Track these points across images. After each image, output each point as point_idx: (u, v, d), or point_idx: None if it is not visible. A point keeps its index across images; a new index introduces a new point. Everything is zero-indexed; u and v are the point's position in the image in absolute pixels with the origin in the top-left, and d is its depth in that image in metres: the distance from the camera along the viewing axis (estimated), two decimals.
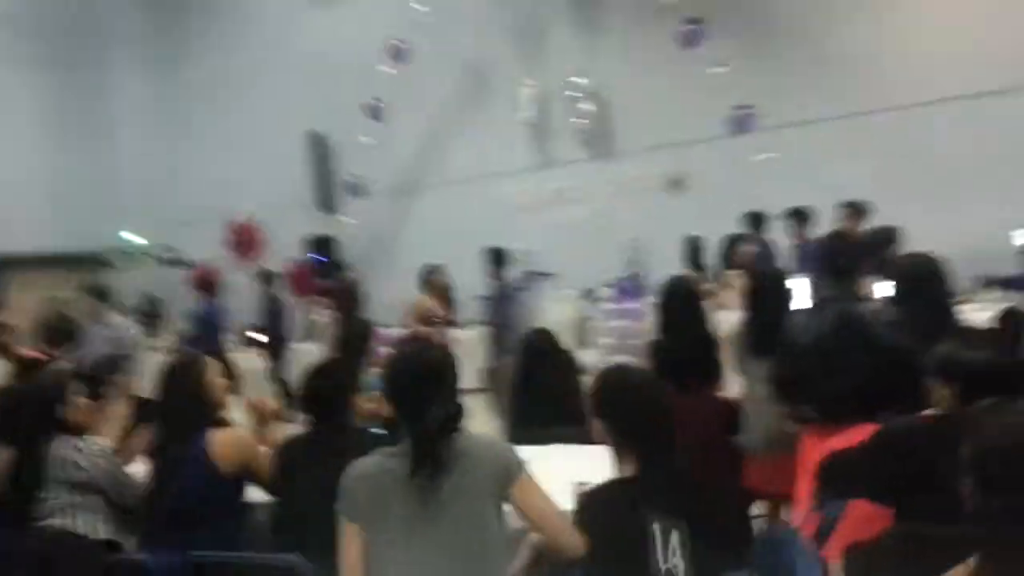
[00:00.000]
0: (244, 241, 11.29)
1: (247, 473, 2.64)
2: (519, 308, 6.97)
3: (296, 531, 2.40)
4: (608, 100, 9.51)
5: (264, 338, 8.72)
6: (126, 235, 9.69)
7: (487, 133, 10.05)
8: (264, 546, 2.55)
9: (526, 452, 2.82)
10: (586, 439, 2.99)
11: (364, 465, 1.92)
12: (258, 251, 11.37)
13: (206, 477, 2.56)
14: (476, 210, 10.08)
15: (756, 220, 7.25)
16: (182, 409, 2.64)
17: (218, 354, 7.86)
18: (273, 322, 8.40)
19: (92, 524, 2.68)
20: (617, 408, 2.00)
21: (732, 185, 8.41)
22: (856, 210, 6.53)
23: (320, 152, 10.87)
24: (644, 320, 8.05)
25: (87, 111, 11.83)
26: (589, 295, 8.89)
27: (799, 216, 7.16)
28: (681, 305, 3.24)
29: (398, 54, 9.59)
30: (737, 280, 5.05)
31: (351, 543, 1.85)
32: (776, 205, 7.38)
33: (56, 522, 2.66)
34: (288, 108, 10.85)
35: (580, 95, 9.45)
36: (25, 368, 5.26)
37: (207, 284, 8.33)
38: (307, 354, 8.70)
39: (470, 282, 9.61)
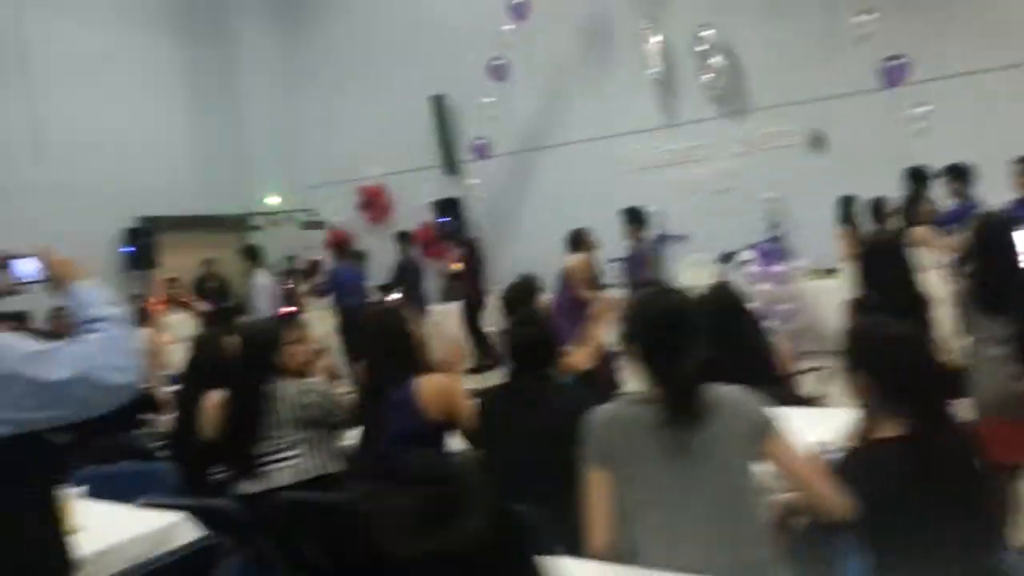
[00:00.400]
0: (374, 204, 11.57)
1: (451, 420, 2.70)
2: (657, 270, 6.88)
3: (500, 481, 2.43)
4: (739, 54, 9.14)
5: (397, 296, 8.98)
6: (268, 198, 10.08)
7: (611, 91, 9.86)
8: None
9: None
10: (789, 399, 2.93)
11: (611, 411, 1.89)
12: (387, 214, 11.64)
13: (413, 422, 2.63)
14: (599, 171, 9.99)
15: (918, 177, 6.82)
16: (391, 356, 2.72)
17: (359, 312, 8.23)
18: (410, 282, 8.61)
19: (320, 460, 2.83)
20: (887, 361, 1.87)
21: (877, 142, 7.99)
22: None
23: (443, 114, 10.96)
24: (790, 284, 7.81)
25: (223, 78, 12.31)
26: (727, 259, 8.66)
27: (957, 173, 6.72)
28: (886, 260, 3.09)
29: (519, 11, 9.50)
30: (922, 235, 4.80)
31: (599, 488, 1.83)
32: (928, 162, 6.96)
33: (286, 463, 2.81)
34: (413, 71, 10.97)
35: (709, 49, 9.11)
36: (209, 319, 5.69)
37: (341, 245, 8.63)
38: (442, 314, 8.94)
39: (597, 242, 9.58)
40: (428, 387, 2.67)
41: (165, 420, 4.07)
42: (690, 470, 1.77)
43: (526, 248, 10.00)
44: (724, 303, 3.26)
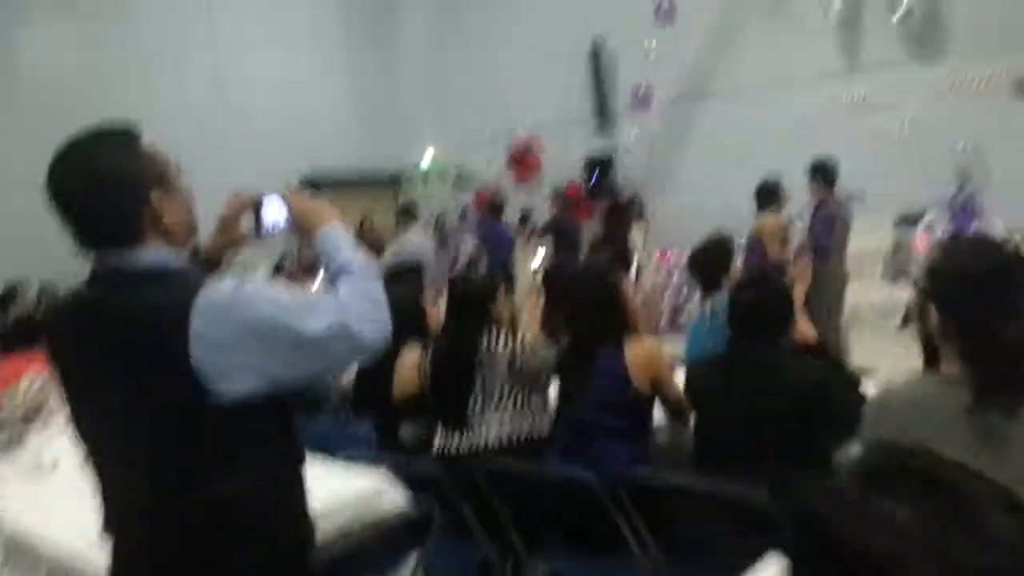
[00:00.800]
0: (523, 160, 11.38)
1: (658, 389, 2.48)
2: (843, 228, 6.30)
3: (714, 459, 2.18)
4: None
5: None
6: (427, 155, 10.12)
7: (786, 32, 9.10)
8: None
9: None
10: None
11: (900, 392, 1.56)
12: (536, 171, 11.43)
13: (621, 390, 2.43)
14: (771, 120, 9.29)
15: None
16: (600, 317, 2.52)
17: (504, 272, 8.13)
18: (567, 243, 8.41)
19: (529, 420, 2.71)
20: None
21: None
22: None
23: (601, 61, 10.53)
24: None
25: (379, 27, 12.44)
26: (908, 220, 7.89)
27: None
28: None
29: None
30: None
31: None
32: None
33: (496, 421, 2.70)
34: (570, 16, 10.58)
35: None
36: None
37: (491, 205, 8.50)
38: None
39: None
40: (638, 353, 2.46)
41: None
42: (1007, 464, 1.43)
43: (686, 206, 9.54)
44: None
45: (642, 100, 9.88)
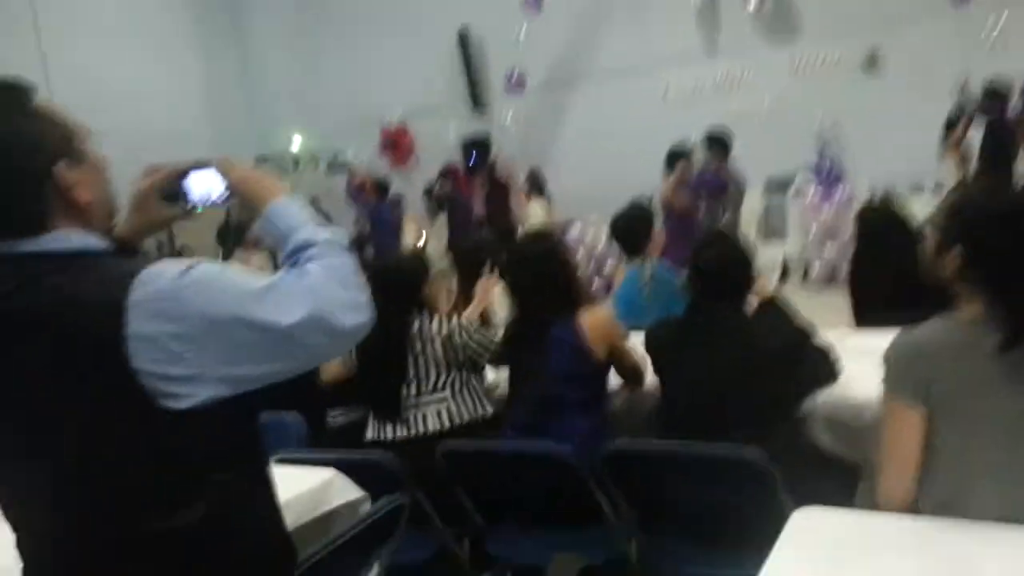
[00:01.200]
0: (397, 145, 11.13)
1: (615, 356, 2.41)
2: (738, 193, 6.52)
3: (682, 422, 2.13)
4: None
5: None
6: (295, 141, 9.64)
7: (651, 18, 9.36)
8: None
9: None
10: None
11: (929, 336, 1.51)
12: (410, 155, 11.21)
13: (578, 362, 2.34)
14: (640, 102, 9.54)
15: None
16: (549, 288, 2.41)
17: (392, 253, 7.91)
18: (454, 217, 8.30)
19: (469, 403, 2.57)
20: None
21: (938, 64, 7.58)
22: None
23: (469, 49, 10.45)
24: (852, 207, 7.47)
25: (233, 15, 11.75)
26: (778, 186, 8.30)
27: None
28: None
29: None
30: None
31: (909, 431, 1.46)
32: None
33: (433, 407, 2.54)
34: (437, 6, 10.41)
35: None
36: None
37: (377, 187, 8.25)
38: None
39: (634, 175, 9.21)
40: (594, 322, 2.36)
41: None
42: None
43: (561, 181, 9.63)
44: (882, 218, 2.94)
45: (515, 84, 9.86)
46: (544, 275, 2.42)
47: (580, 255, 8.74)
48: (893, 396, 1.49)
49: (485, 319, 3.06)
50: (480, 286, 3.01)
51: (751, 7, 8.69)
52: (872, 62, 8.37)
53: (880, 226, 2.94)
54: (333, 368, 2.74)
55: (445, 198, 8.30)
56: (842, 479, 1.97)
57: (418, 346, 2.58)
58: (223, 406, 1.14)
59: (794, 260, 7.85)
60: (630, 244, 3.50)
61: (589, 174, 9.52)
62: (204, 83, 11.40)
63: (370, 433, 2.64)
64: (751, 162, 8.39)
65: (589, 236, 9.02)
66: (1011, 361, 1.41)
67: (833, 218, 7.41)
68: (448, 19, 10.34)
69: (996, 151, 6.29)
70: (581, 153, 9.82)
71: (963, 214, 1.50)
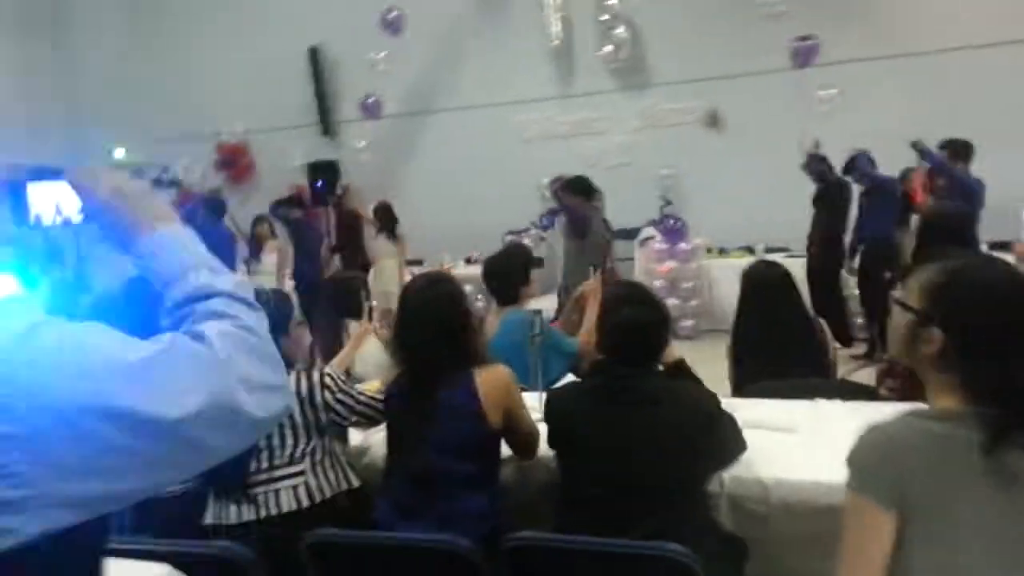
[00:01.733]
0: (234, 163, 10.41)
1: (509, 422, 2.15)
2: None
3: (588, 502, 1.93)
4: (642, 25, 8.92)
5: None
6: (117, 153, 8.70)
7: (508, 56, 9.36)
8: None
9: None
10: (844, 393, 2.62)
11: (899, 432, 1.32)
12: (248, 173, 10.53)
13: (471, 427, 2.06)
14: (493, 138, 9.51)
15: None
16: (443, 340, 2.12)
17: None
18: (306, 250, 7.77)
19: (330, 476, 2.19)
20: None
21: (777, 124, 8.08)
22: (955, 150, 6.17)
23: (321, 68, 10.00)
24: (693, 262, 7.73)
25: (54, 25, 10.60)
26: (626, 234, 8.47)
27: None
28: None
29: None
30: None
31: (878, 535, 1.28)
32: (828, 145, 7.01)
33: (285, 482, 2.15)
34: (289, 18, 9.90)
35: (611, 19, 8.82)
36: None
37: (211, 205, 7.59)
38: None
39: (487, 214, 9.12)
40: (491, 382, 2.09)
41: None
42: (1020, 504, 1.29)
43: (412, 216, 9.35)
44: (767, 279, 2.90)
45: (369, 111, 9.52)
46: (438, 324, 2.12)
47: None
48: (860, 494, 1.32)
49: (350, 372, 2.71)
50: (354, 333, 2.67)
51: (603, 52, 8.89)
52: (713, 119, 8.80)
53: (768, 285, 2.90)
54: None
55: (292, 223, 7.77)
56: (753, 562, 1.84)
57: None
58: (58, 542, 0.75)
59: None
60: (505, 290, 3.28)
61: (442, 211, 9.33)
62: (16, 74, 10.15)
63: (210, 517, 2.18)
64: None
65: None
66: (996, 461, 1.28)
67: (675, 271, 7.62)
68: (300, 35, 9.86)
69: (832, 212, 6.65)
70: (435, 188, 9.61)
71: (948, 294, 1.36)
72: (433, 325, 2.12)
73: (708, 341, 7.63)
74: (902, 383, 2.57)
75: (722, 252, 8.49)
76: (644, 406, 1.90)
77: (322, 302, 3.46)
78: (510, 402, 2.12)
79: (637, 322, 1.95)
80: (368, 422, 2.31)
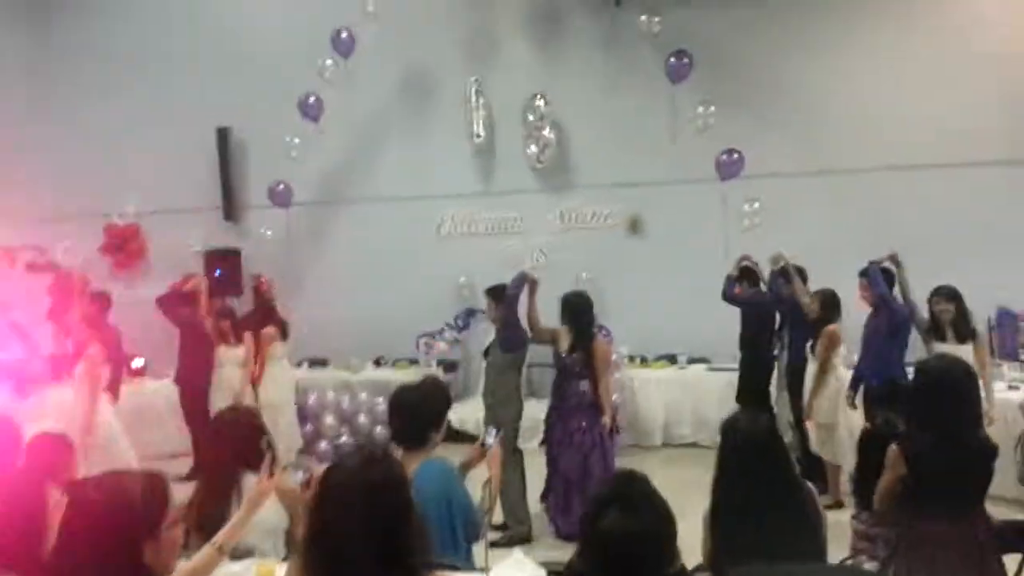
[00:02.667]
0: (124, 247, 9.55)
1: None
2: None
3: None
4: (569, 127, 8.83)
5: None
6: None
7: (430, 149, 9.08)
8: None
9: None
10: None
11: None
12: (138, 259, 9.68)
13: None
14: (409, 232, 9.10)
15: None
16: (375, 551, 1.57)
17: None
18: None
19: None
20: None
21: (700, 232, 8.03)
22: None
23: (228, 150, 9.42)
24: (615, 372, 7.38)
25: None
26: None
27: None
28: None
29: (343, 46, 8.43)
30: None
31: None
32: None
33: None
34: (196, 96, 9.34)
35: (538, 119, 8.69)
36: None
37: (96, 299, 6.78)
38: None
39: (400, 312, 8.60)
40: None
41: None
42: None
43: (318, 311, 8.73)
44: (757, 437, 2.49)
45: (278, 198, 8.95)
46: (370, 525, 1.58)
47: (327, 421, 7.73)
48: None
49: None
50: (248, 491, 2.06)
51: (528, 151, 8.71)
52: (635, 224, 8.68)
53: (753, 444, 2.48)
54: None
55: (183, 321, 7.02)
56: None
57: None
58: None
59: None
60: (414, 433, 2.75)
61: (352, 307, 8.75)
62: None
63: None
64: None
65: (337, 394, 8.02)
66: None
67: None
68: (210, 114, 9.29)
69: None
70: (345, 281, 9.06)
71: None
72: (369, 530, 1.57)
73: (631, 455, 7.25)
74: None
75: (643, 362, 8.23)
76: None
77: (210, 445, 2.83)
78: None
79: (627, 533, 1.48)
80: None
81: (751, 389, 6.54)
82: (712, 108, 7.64)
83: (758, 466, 2.38)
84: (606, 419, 5.25)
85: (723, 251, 7.65)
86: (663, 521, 1.50)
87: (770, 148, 7.95)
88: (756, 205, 7.42)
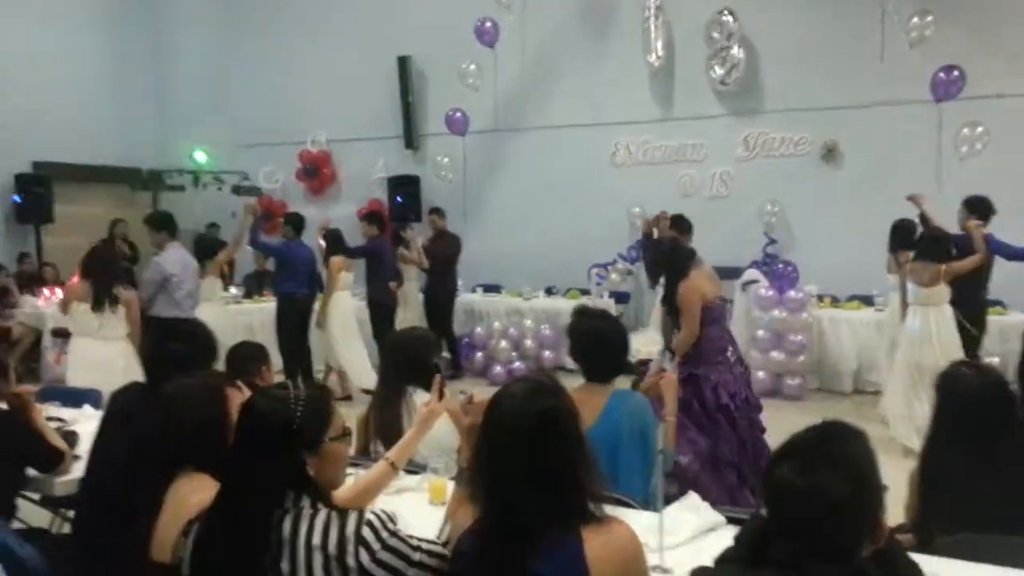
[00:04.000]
0: (316, 173, 10.08)
1: None
2: None
3: None
4: (758, 46, 8.15)
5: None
6: (195, 154, 8.44)
7: (606, 74, 8.75)
8: None
9: None
10: None
11: None
12: (330, 184, 10.20)
13: None
14: (582, 161, 8.88)
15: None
16: (547, 488, 1.48)
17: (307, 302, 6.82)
18: (383, 274, 7.26)
19: None
20: None
21: (902, 161, 7.23)
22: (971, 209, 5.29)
23: (409, 79, 9.57)
24: (803, 312, 6.90)
25: (150, 10, 10.52)
26: (725, 274, 7.67)
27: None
28: None
29: None
30: None
31: None
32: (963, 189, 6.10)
33: None
34: (379, 25, 9.54)
35: (725, 39, 8.09)
36: None
37: (292, 221, 7.13)
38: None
39: (571, 243, 8.51)
40: (606, 555, 1.45)
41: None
42: None
43: (490, 240, 8.83)
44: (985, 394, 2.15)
45: (455, 126, 9.03)
46: (542, 460, 1.50)
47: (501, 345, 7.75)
48: None
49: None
50: (419, 410, 2.04)
51: (714, 74, 8.16)
52: (831, 152, 7.95)
53: (980, 400, 2.10)
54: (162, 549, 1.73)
55: (364, 248, 7.31)
56: None
57: (286, 566, 1.53)
58: None
59: None
60: (604, 366, 2.63)
61: (523, 236, 8.78)
62: (109, 64, 10.12)
63: None
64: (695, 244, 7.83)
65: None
66: None
67: (783, 321, 6.80)
68: (390, 43, 9.47)
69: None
70: (517, 211, 9.08)
71: None
72: (534, 460, 1.49)
73: (818, 402, 6.81)
74: None
75: (834, 302, 7.61)
76: None
77: (384, 365, 2.86)
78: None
79: (812, 494, 1.27)
80: None
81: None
82: (929, 18, 6.74)
83: (979, 426, 2.06)
84: None
85: (935, 181, 6.88)
86: (850, 485, 1.28)
87: (995, 65, 6.93)
88: (979, 130, 6.51)
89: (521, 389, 1.58)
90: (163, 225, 5.63)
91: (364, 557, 1.53)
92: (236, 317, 7.29)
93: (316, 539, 1.53)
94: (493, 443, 1.53)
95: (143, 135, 10.02)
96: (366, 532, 1.55)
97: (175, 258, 5.50)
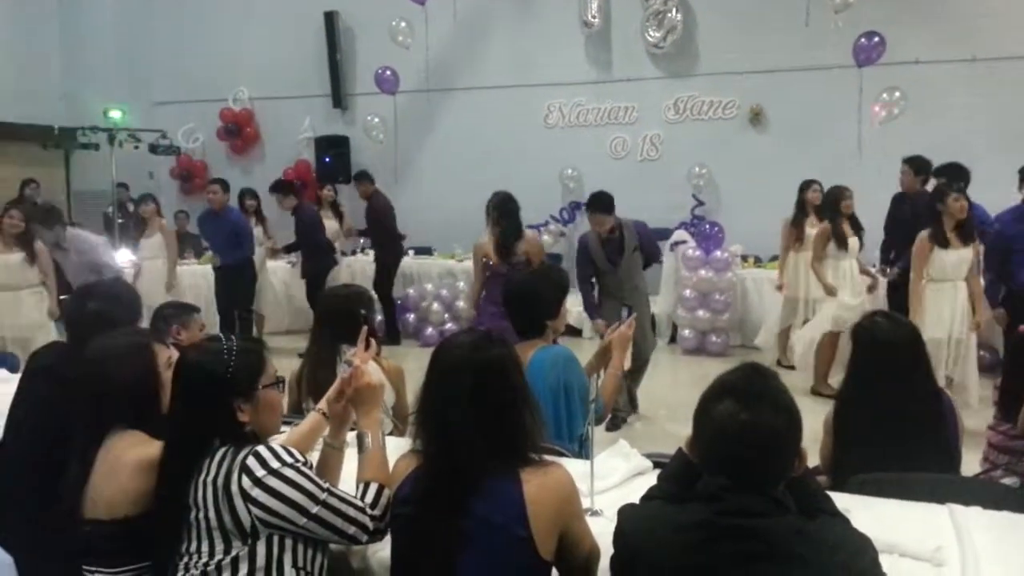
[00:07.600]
0: (238, 132, 9.76)
1: (564, 549, 1.53)
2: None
3: None
4: (696, 12, 8.21)
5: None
6: (110, 112, 8.05)
7: (538, 34, 8.70)
8: None
9: None
10: (986, 498, 2.01)
11: None
12: (253, 143, 9.90)
13: (518, 558, 1.45)
14: (515, 122, 8.84)
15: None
16: (489, 426, 1.50)
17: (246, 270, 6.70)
18: (312, 239, 7.12)
19: None
20: None
21: (826, 125, 7.45)
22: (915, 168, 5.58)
23: (336, 36, 9.31)
24: (728, 272, 7.08)
25: None
26: (659, 236, 7.80)
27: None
28: None
29: None
30: None
31: None
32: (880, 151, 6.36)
33: None
34: None
35: (662, 5, 8.13)
36: None
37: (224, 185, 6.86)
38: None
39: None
40: (543, 495, 1.47)
41: None
42: None
43: (421, 201, 8.75)
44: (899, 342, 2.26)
45: (384, 84, 8.85)
46: (483, 402, 1.51)
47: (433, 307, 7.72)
48: None
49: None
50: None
51: (650, 36, 8.20)
52: (756, 116, 8.12)
53: (893, 348, 2.21)
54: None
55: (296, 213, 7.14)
56: None
57: (192, 505, 1.57)
58: None
59: (662, 320, 7.34)
60: (531, 320, 2.64)
61: (455, 197, 8.64)
62: (16, 22, 9.54)
63: None
64: (623, 206, 7.92)
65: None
66: None
67: (709, 280, 6.97)
68: (316, 3, 9.18)
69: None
70: (448, 172, 9.00)
71: None
72: (478, 402, 1.49)
73: (739, 358, 7.02)
74: None
75: (757, 262, 7.84)
76: (770, 563, 1.28)
77: (317, 323, 2.82)
78: (569, 519, 1.51)
79: (755, 427, 1.32)
80: (350, 540, 1.60)
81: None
82: None
83: (895, 374, 2.17)
84: None
85: (856, 145, 7.11)
86: (785, 417, 1.33)
87: (915, 32, 7.17)
88: (896, 95, 6.74)
89: (467, 339, 1.60)
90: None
91: (245, 482, 1.53)
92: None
93: (211, 475, 1.57)
94: (440, 390, 1.54)
95: (51, 91, 9.51)
96: (250, 460, 1.55)
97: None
